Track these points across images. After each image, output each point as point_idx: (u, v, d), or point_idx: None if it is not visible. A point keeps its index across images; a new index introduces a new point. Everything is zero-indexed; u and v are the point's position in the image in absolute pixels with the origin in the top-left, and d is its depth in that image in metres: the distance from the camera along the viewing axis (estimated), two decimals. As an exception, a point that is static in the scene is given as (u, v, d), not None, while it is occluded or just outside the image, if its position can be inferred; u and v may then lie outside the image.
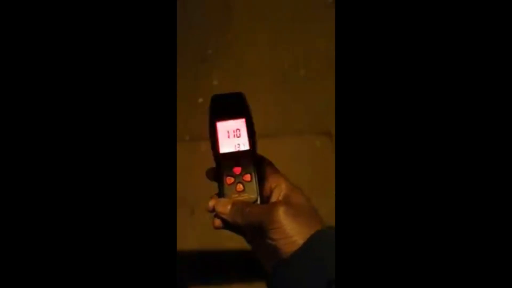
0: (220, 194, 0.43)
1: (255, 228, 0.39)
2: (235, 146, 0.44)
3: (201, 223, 1.06)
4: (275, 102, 1.25)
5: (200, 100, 1.23)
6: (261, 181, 0.43)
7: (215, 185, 0.44)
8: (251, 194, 0.43)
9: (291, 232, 0.37)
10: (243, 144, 0.45)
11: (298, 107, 1.25)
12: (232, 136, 0.45)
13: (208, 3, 1.41)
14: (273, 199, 0.42)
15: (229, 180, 0.43)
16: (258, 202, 0.42)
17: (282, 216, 0.37)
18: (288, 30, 1.35)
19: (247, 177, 0.43)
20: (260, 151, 0.45)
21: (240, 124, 0.45)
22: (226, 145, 0.44)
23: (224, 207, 0.41)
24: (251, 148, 0.44)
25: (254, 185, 0.43)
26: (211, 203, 0.42)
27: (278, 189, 0.42)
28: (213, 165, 0.45)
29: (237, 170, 0.43)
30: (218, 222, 0.42)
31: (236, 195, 0.42)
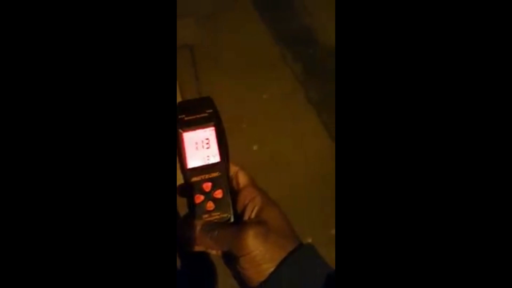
0: (190, 214, 0.39)
1: (226, 253, 0.36)
2: (205, 158, 0.40)
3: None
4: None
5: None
6: (234, 195, 0.39)
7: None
8: (223, 212, 0.39)
9: (261, 260, 0.34)
10: (213, 155, 0.40)
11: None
12: (201, 147, 0.40)
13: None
14: (246, 215, 0.38)
15: (198, 198, 0.39)
16: (232, 220, 0.39)
17: (252, 242, 0.34)
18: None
19: (218, 193, 0.39)
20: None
21: (209, 133, 0.41)
22: (194, 159, 0.40)
23: (192, 230, 0.38)
24: (222, 160, 0.40)
25: (226, 202, 0.39)
26: (180, 225, 0.39)
27: (252, 204, 0.38)
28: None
29: (207, 186, 0.39)
30: (188, 246, 0.38)
31: (207, 215, 0.39)
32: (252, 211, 0.38)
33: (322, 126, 1.51)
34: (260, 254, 0.34)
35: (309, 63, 1.70)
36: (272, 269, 0.34)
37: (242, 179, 0.40)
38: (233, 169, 0.41)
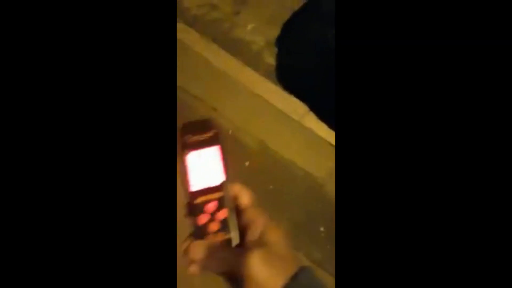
0: (194, 234, 0.39)
1: (229, 276, 0.36)
2: (209, 179, 0.40)
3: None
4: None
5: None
6: (238, 215, 0.40)
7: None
8: (227, 233, 0.39)
9: (264, 284, 0.34)
10: (217, 176, 0.41)
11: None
12: (204, 168, 0.41)
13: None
14: (249, 237, 0.38)
15: (202, 219, 0.39)
16: (236, 240, 0.39)
17: (255, 267, 0.34)
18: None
19: (222, 213, 0.39)
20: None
21: (212, 153, 0.41)
22: (197, 180, 0.40)
23: (197, 251, 0.38)
24: (226, 180, 0.40)
25: (230, 222, 0.39)
26: (184, 246, 0.38)
27: (254, 226, 0.38)
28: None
29: (211, 206, 0.39)
30: (193, 268, 0.38)
31: (211, 236, 0.39)
32: (255, 232, 0.38)
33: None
34: (263, 278, 0.34)
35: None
36: None
37: (244, 199, 0.41)
38: (235, 187, 0.41)
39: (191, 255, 0.38)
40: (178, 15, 1.61)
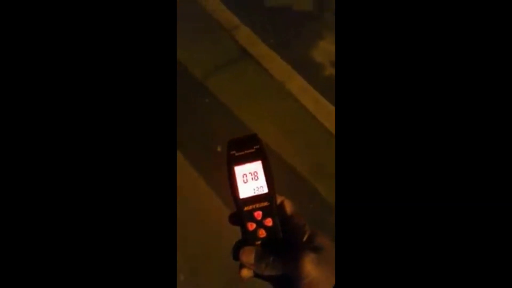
0: (243, 241, 0.42)
1: (281, 277, 0.39)
2: (254, 190, 0.44)
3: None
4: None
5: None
6: (283, 223, 0.43)
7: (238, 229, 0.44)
8: (276, 238, 0.42)
9: (317, 285, 0.36)
10: (262, 187, 0.44)
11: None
12: (250, 179, 0.44)
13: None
14: (297, 242, 0.41)
15: (251, 226, 0.42)
16: (285, 246, 0.41)
17: (309, 268, 0.37)
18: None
19: (269, 221, 0.42)
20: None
21: (257, 166, 0.45)
22: (245, 190, 0.44)
23: (249, 256, 0.40)
24: (270, 191, 0.44)
25: (276, 229, 0.42)
26: (240, 253, 0.41)
27: (302, 230, 0.41)
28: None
29: (258, 215, 0.43)
30: (245, 272, 0.41)
31: (259, 242, 0.42)
32: (303, 237, 0.41)
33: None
34: (317, 278, 0.37)
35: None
36: None
37: (288, 208, 0.44)
38: (279, 198, 0.44)
39: (244, 260, 0.40)
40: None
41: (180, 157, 1.62)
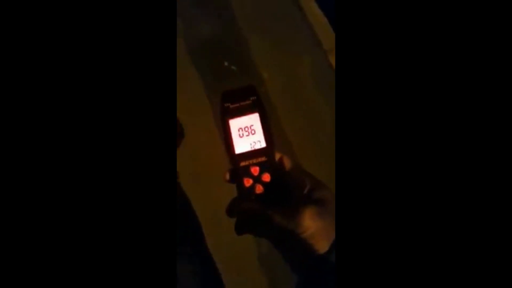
0: (240, 196, 0.40)
1: (279, 232, 0.36)
2: (251, 144, 0.41)
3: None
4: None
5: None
6: (282, 178, 0.40)
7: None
8: (274, 194, 0.39)
9: (318, 236, 0.35)
10: (259, 141, 0.41)
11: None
12: (247, 134, 0.41)
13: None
14: (298, 194, 0.38)
15: (248, 182, 0.40)
16: (284, 201, 0.39)
17: (309, 221, 0.35)
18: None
19: (266, 177, 0.40)
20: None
21: (254, 119, 0.42)
22: (241, 145, 0.41)
23: (246, 210, 0.38)
24: (268, 145, 0.41)
25: (274, 185, 0.40)
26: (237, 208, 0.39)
27: (301, 186, 0.38)
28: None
29: (255, 170, 0.40)
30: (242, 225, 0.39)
31: (258, 197, 0.39)
32: (303, 190, 0.38)
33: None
34: (318, 230, 0.35)
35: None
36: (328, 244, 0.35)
37: (287, 163, 0.41)
38: (276, 155, 0.41)
39: (243, 206, 0.38)
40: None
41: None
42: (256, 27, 1.32)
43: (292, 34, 1.30)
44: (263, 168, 0.40)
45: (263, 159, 0.40)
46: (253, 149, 0.41)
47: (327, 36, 1.30)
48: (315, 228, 0.34)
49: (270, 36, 1.30)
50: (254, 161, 0.40)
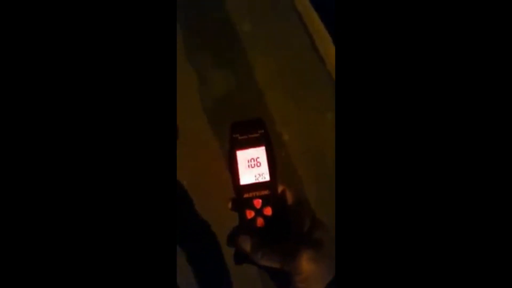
0: (241, 227, 0.41)
1: (274, 271, 0.38)
2: (255, 176, 0.42)
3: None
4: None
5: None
6: (283, 213, 0.41)
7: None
8: (274, 229, 0.41)
9: (312, 280, 0.36)
10: (264, 174, 0.42)
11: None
12: (252, 165, 0.43)
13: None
14: (296, 233, 0.40)
15: (250, 214, 0.41)
16: (283, 237, 0.41)
17: (305, 264, 0.36)
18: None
19: (268, 210, 0.41)
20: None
21: (260, 152, 0.43)
22: (246, 176, 0.42)
23: (245, 244, 0.39)
24: (272, 179, 0.42)
25: (275, 220, 0.41)
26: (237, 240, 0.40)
27: (301, 222, 0.40)
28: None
29: (258, 203, 0.41)
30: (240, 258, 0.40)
31: (258, 231, 0.41)
32: (301, 229, 0.39)
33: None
34: (313, 275, 0.36)
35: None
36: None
37: (289, 198, 0.42)
38: (279, 187, 0.43)
39: (241, 245, 0.39)
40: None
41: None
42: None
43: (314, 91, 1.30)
44: (266, 201, 0.41)
45: (266, 192, 0.42)
46: (257, 181, 0.42)
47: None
48: (310, 272, 0.35)
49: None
50: (257, 193, 0.42)
